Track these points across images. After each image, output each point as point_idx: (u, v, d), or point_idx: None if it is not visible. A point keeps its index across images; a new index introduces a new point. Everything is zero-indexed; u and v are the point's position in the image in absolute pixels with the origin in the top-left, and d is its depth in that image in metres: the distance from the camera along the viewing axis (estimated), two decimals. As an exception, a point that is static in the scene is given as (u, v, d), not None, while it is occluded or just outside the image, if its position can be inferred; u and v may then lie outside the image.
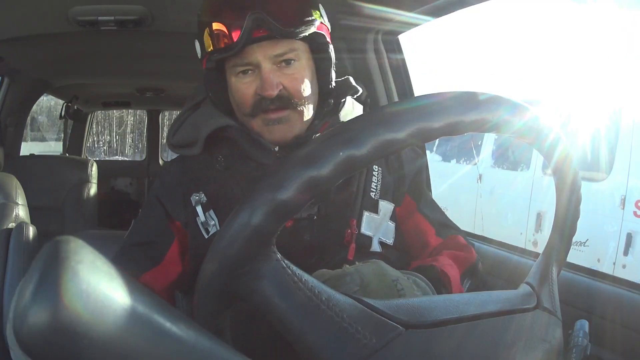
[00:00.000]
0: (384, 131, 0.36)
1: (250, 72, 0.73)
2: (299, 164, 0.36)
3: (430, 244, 0.82)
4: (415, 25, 1.23)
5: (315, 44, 0.77)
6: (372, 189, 0.80)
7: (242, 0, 0.71)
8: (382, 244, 0.78)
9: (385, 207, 0.79)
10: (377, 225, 0.78)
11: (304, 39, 0.74)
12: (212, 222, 0.75)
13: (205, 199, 0.76)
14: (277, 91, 0.72)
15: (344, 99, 0.82)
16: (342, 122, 0.81)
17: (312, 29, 0.73)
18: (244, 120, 0.77)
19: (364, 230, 0.76)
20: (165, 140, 0.86)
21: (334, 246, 0.74)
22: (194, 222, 0.76)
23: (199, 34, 0.75)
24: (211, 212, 0.75)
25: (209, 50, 0.73)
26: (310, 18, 0.73)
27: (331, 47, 0.79)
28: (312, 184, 0.36)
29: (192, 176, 0.79)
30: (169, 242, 0.77)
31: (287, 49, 0.72)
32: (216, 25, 0.71)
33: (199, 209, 0.75)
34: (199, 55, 0.77)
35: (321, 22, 0.76)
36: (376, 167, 0.82)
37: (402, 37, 1.38)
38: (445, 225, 0.85)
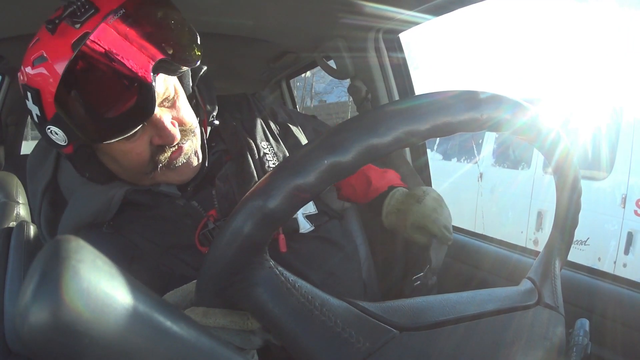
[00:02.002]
0: (368, 137, 0.36)
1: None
2: (286, 173, 0.36)
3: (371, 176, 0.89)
4: (416, 23, 1.23)
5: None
6: (271, 168, 0.78)
7: None
8: (308, 218, 0.78)
9: None
10: None
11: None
12: None
13: None
14: (178, 133, 0.68)
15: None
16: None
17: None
18: (137, 180, 0.73)
19: None
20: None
21: None
22: None
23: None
24: None
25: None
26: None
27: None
28: (299, 192, 0.36)
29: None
30: None
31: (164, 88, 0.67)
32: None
33: None
34: (64, 138, 0.64)
35: None
36: (265, 144, 0.81)
37: (402, 36, 1.38)
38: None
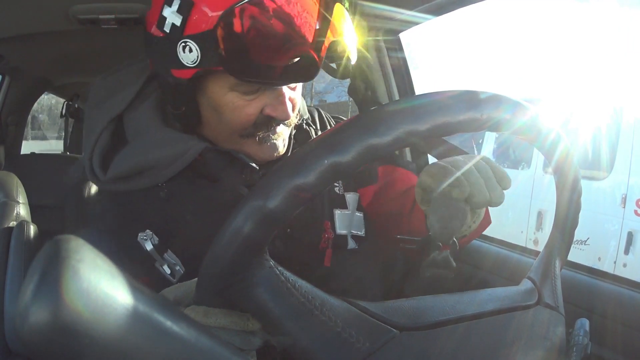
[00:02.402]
0: (368, 136, 0.36)
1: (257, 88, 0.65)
2: (286, 173, 0.36)
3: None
4: (416, 23, 1.23)
5: None
6: (335, 184, 0.77)
7: None
8: (355, 238, 0.77)
9: (352, 198, 0.78)
10: (349, 220, 0.77)
11: None
12: (174, 264, 0.66)
13: (156, 238, 0.67)
14: (291, 113, 0.68)
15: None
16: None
17: None
18: (222, 140, 0.71)
19: (339, 229, 0.75)
20: (79, 171, 0.78)
21: (310, 255, 0.71)
22: (152, 269, 0.66)
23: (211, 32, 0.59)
24: (169, 253, 0.67)
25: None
26: None
27: None
28: (299, 192, 0.36)
29: (131, 212, 0.69)
30: None
31: None
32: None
33: (153, 252, 0.66)
34: (194, 58, 0.60)
35: None
36: None
37: (402, 36, 1.38)
38: None
